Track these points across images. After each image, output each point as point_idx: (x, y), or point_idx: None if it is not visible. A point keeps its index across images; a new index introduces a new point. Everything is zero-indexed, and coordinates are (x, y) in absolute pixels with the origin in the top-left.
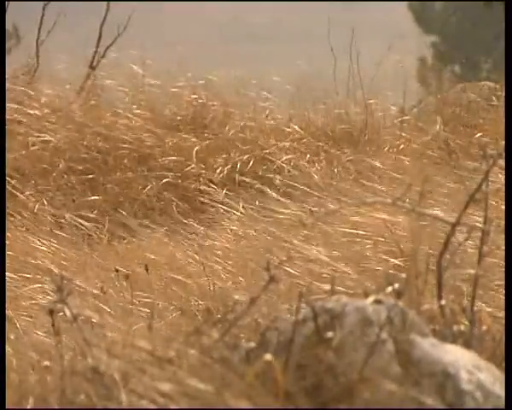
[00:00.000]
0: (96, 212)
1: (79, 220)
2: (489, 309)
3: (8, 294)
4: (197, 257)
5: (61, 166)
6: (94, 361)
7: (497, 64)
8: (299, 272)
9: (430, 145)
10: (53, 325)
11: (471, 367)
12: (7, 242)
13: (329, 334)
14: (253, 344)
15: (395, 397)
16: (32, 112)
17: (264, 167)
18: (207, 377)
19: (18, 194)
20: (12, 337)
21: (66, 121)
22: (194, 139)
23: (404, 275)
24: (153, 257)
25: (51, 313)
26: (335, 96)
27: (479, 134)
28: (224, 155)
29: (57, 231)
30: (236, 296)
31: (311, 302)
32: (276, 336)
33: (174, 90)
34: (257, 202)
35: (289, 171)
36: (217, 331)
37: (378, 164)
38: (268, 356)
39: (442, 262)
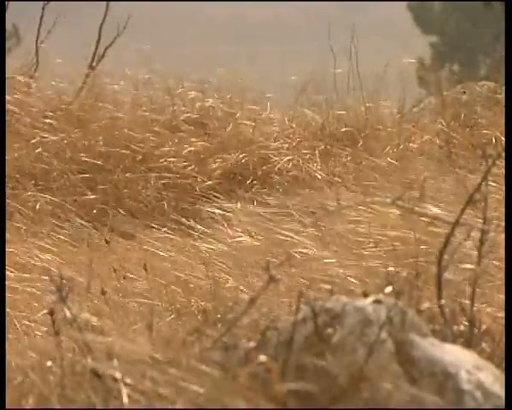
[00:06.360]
0: (96, 212)
1: (79, 220)
2: (489, 309)
3: (8, 294)
4: (197, 257)
5: (61, 165)
6: (93, 362)
7: (497, 64)
8: (299, 272)
9: (430, 145)
10: (53, 326)
11: (471, 367)
12: (7, 242)
13: (329, 330)
14: (252, 344)
15: (395, 397)
16: (31, 112)
17: (264, 168)
18: (206, 378)
19: (18, 194)
20: (12, 337)
21: (67, 121)
22: (194, 139)
23: (403, 275)
24: (153, 257)
25: (51, 313)
26: (335, 95)
27: (479, 134)
28: (225, 156)
29: (57, 231)
30: (236, 296)
31: (310, 302)
32: (276, 336)
33: (175, 89)
34: (255, 203)
35: (289, 171)
36: (216, 332)
37: (378, 164)
38: (263, 357)
39: (442, 262)
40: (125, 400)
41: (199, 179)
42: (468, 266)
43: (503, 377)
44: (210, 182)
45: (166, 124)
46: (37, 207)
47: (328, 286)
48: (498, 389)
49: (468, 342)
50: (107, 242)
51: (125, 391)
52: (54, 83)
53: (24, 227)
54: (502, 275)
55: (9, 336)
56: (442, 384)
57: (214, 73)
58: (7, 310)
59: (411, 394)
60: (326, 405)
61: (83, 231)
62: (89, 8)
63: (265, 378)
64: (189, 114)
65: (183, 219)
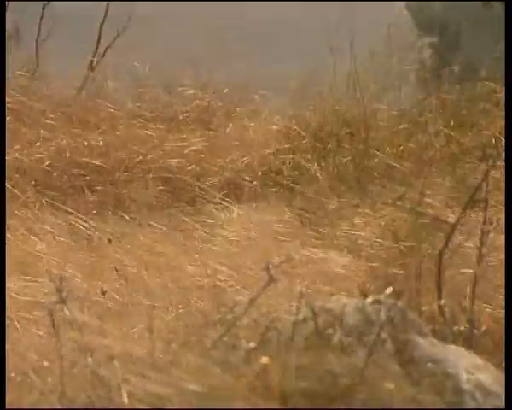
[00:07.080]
0: (95, 212)
1: (79, 220)
2: (489, 309)
3: (8, 294)
4: (197, 257)
5: (61, 166)
6: (93, 363)
7: (497, 64)
8: (299, 272)
9: (430, 145)
10: (52, 326)
11: (471, 367)
12: (7, 242)
13: (330, 330)
14: (253, 344)
15: (395, 397)
16: (32, 112)
17: (264, 168)
18: (206, 378)
19: (18, 194)
20: (12, 337)
21: (67, 121)
22: (194, 139)
23: (403, 275)
24: (153, 257)
25: (50, 313)
26: (335, 95)
27: (479, 134)
28: (225, 156)
29: (57, 231)
30: (236, 296)
31: (311, 302)
32: (277, 337)
33: (176, 89)
34: (253, 205)
35: (289, 171)
36: (216, 332)
37: (378, 164)
38: (265, 359)
39: (442, 262)
40: (125, 400)
41: (199, 179)
42: (469, 266)
43: (502, 377)
44: (210, 182)
45: (166, 123)
46: (37, 207)
47: (328, 286)
48: (498, 389)
49: (468, 342)
50: (109, 241)
51: (125, 391)
52: (54, 83)
53: (24, 227)
54: (502, 275)
55: (9, 336)
56: (442, 384)
57: (214, 72)
58: (7, 310)
59: (411, 394)
60: (326, 405)
61: (83, 232)
62: (89, 9)
63: (266, 379)
64: (188, 114)
65: (183, 220)
